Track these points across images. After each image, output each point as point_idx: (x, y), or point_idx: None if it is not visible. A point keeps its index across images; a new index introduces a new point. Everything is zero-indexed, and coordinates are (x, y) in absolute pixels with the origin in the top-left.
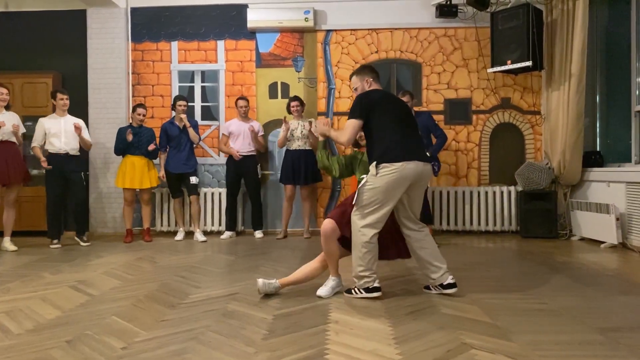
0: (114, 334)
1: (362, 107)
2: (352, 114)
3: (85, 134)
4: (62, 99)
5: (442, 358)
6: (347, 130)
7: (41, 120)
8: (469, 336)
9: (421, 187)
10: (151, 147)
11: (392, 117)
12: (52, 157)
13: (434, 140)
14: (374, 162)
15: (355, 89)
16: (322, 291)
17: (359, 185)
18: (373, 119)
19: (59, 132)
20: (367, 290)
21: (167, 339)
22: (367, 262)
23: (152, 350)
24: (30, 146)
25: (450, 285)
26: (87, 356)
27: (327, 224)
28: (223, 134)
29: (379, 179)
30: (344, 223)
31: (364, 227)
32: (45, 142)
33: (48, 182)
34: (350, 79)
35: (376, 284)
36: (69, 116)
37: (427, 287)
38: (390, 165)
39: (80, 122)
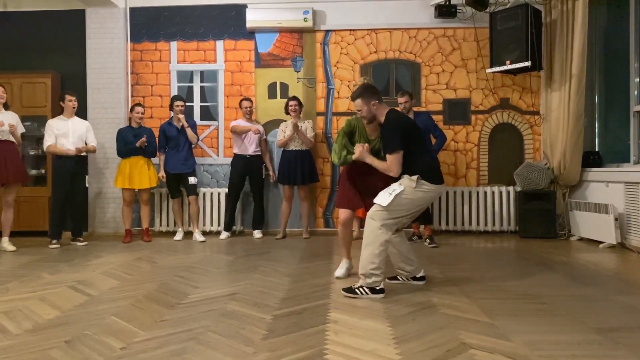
0: (113, 334)
1: (401, 137)
2: (392, 146)
3: (91, 137)
4: (70, 101)
5: (442, 358)
6: (394, 165)
7: (50, 122)
8: (468, 336)
9: None
10: (139, 143)
11: (421, 141)
12: (61, 159)
13: (433, 141)
14: (416, 176)
15: (359, 111)
16: (340, 272)
17: (393, 193)
18: (409, 144)
19: (67, 134)
20: (374, 290)
21: (166, 339)
22: (380, 260)
23: (152, 350)
24: (29, 147)
25: (422, 278)
26: (86, 356)
27: (345, 215)
28: (234, 125)
29: (416, 193)
30: (354, 202)
31: (384, 226)
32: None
33: (56, 182)
34: (352, 100)
35: (382, 285)
36: (76, 118)
37: (394, 278)
38: (430, 185)
39: (87, 124)
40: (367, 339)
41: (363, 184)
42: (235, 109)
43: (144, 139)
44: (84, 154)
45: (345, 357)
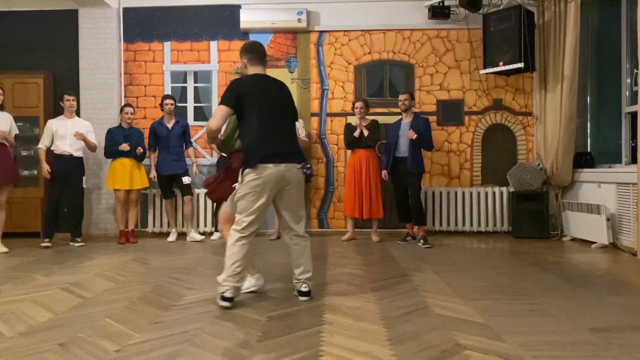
0: (107, 337)
1: (232, 94)
2: (222, 99)
3: (91, 137)
4: (68, 100)
5: (436, 359)
6: (215, 115)
7: (50, 121)
8: (463, 337)
9: (289, 191)
10: (139, 150)
11: (258, 110)
12: (57, 158)
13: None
14: (241, 169)
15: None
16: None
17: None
18: (243, 111)
19: (65, 134)
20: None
21: (161, 342)
22: (233, 264)
23: (146, 352)
24: (21, 147)
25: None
26: (81, 359)
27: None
28: None
29: (245, 186)
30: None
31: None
32: (52, 144)
33: (50, 182)
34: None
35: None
36: (76, 118)
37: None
38: (252, 171)
39: (87, 124)
40: (362, 340)
41: None
42: None
43: (140, 149)
44: (80, 154)
45: (340, 358)
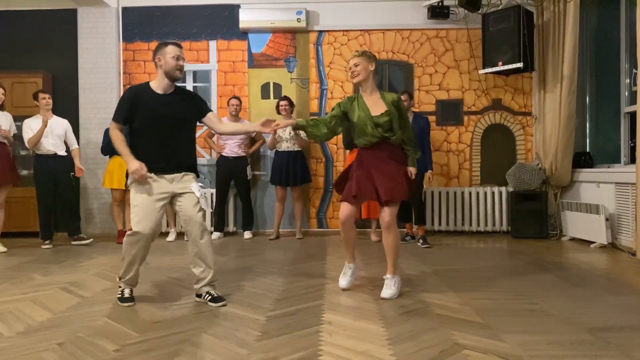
0: (105, 336)
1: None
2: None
3: (70, 135)
4: (44, 99)
5: (435, 358)
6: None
7: (26, 121)
8: (461, 337)
9: None
10: None
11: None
12: (40, 159)
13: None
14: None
15: (356, 66)
16: (344, 282)
17: None
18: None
19: (46, 133)
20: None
21: (160, 341)
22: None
23: (145, 352)
24: (20, 146)
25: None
26: (79, 359)
27: (343, 211)
28: None
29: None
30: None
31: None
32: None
33: (38, 183)
34: (356, 55)
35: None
36: (54, 117)
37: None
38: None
39: (66, 122)
40: (361, 339)
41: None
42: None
43: None
44: (64, 153)
45: (339, 358)
